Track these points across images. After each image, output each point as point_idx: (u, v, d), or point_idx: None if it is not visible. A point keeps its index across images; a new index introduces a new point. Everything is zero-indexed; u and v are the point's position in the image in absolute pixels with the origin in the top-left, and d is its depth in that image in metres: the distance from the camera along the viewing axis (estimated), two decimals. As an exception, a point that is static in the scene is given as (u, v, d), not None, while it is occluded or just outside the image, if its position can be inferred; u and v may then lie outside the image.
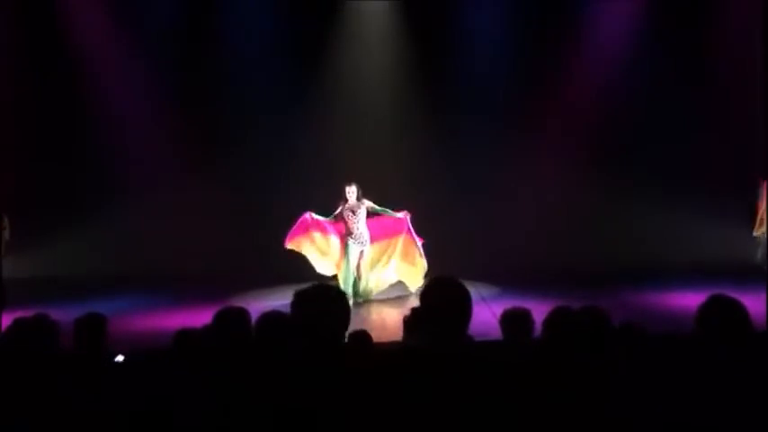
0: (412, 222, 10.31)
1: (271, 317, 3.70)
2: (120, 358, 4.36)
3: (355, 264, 10.04)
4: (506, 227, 12.40)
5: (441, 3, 12.98)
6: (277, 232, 10.47)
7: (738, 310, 3.43)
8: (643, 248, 12.24)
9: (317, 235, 10.25)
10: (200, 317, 4.49)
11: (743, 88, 11.92)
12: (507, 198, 12.66)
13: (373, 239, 10.21)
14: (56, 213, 12.45)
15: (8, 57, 12.30)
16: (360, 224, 10.04)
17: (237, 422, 3.07)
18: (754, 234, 11.28)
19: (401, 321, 4.97)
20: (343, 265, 10.08)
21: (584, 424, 3.22)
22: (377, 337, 4.80)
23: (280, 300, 3.91)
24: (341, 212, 10.08)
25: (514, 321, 4.47)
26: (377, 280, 10.29)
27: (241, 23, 12.97)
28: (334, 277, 10.09)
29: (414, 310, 4.63)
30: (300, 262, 10.23)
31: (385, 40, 13.18)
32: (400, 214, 10.27)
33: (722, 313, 3.43)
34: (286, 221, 10.55)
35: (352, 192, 9.99)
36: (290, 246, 10.22)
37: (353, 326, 4.00)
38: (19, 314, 4.09)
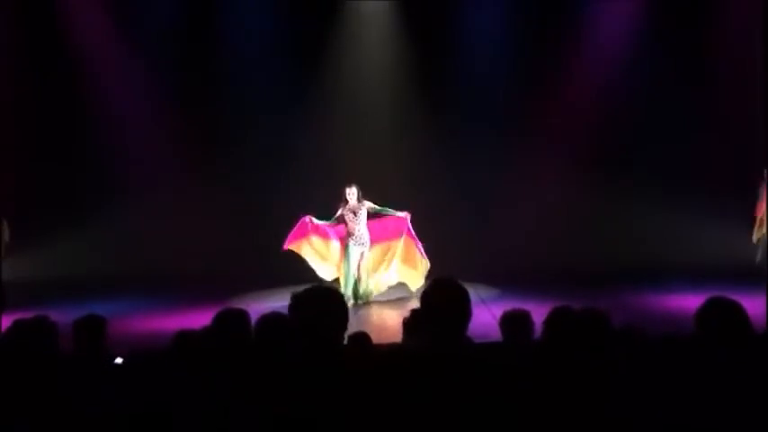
0: (412, 223, 10.31)
1: (270, 318, 3.70)
2: (118, 360, 4.35)
3: (356, 265, 10.03)
4: (506, 228, 12.39)
5: (441, 3, 12.97)
6: (277, 232, 10.46)
7: (738, 311, 3.44)
8: (643, 249, 12.22)
9: (317, 240, 10.24)
10: (200, 318, 4.48)
11: (743, 88, 11.89)
12: (507, 198, 12.66)
13: (373, 242, 10.20)
14: (55, 214, 12.44)
15: (8, 57, 12.28)
16: (361, 225, 10.03)
17: (237, 424, 3.07)
18: (754, 239, 11.28)
19: (401, 323, 4.97)
20: (343, 267, 10.07)
21: (585, 425, 3.23)
22: (377, 338, 4.80)
23: (280, 301, 3.90)
24: (341, 214, 10.07)
25: (514, 323, 4.47)
26: (377, 282, 10.28)
27: (241, 23, 12.98)
28: (336, 281, 10.07)
29: (413, 311, 4.63)
30: (300, 263, 10.22)
31: (385, 41, 13.17)
32: (401, 213, 10.26)
33: (722, 315, 3.43)
34: (286, 221, 10.54)
35: (352, 193, 9.99)
36: (289, 248, 10.21)
37: (353, 328, 4.01)
38: (19, 316, 4.09)
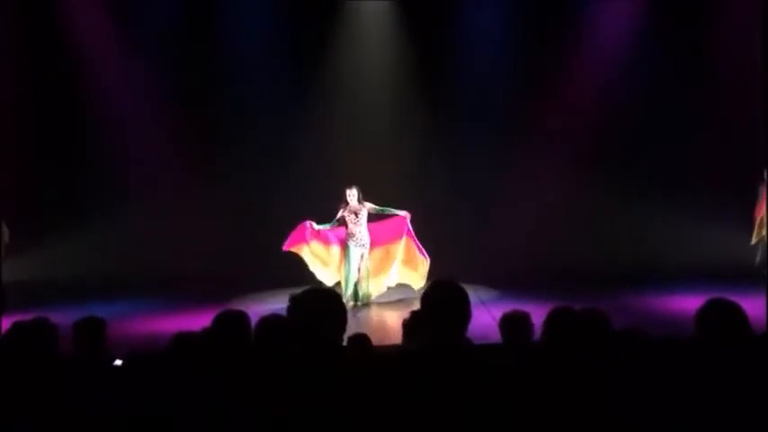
0: (412, 223, 10.30)
1: (270, 320, 3.70)
2: (118, 362, 4.35)
3: (356, 267, 10.02)
4: (506, 228, 12.39)
5: (441, 3, 12.97)
6: (277, 233, 10.45)
7: (737, 313, 3.44)
8: (643, 250, 12.21)
9: (317, 246, 10.21)
10: (200, 320, 4.49)
11: (743, 88, 11.89)
12: (507, 198, 12.64)
13: (374, 245, 10.19)
14: (55, 215, 12.42)
15: (8, 57, 12.27)
16: (361, 227, 10.03)
17: (237, 425, 3.08)
18: (752, 241, 11.27)
19: (400, 325, 4.97)
20: (343, 269, 10.06)
21: (585, 427, 3.23)
22: (376, 340, 4.79)
23: (280, 303, 3.89)
24: (342, 215, 10.05)
25: (513, 324, 4.47)
26: (377, 284, 10.27)
27: (241, 23, 12.96)
28: (337, 284, 10.04)
29: (413, 313, 4.63)
30: (300, 264, 10.20)
31: (385, 41, 13.17)
32: (401, 212, 10.25)
33: (721, 316, 3.43)
34: (286, 222, 10.54)
35: (352, 195, 9.98)
36: (289, 249, 10.19)
37: (353, 329, 4.00)
38: (18, 317, 4.10)
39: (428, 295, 3.14)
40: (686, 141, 12.47)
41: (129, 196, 12.65)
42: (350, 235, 10.03)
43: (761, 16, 10.47)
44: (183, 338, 3.88)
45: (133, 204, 12.53)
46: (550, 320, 4.12)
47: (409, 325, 4.72)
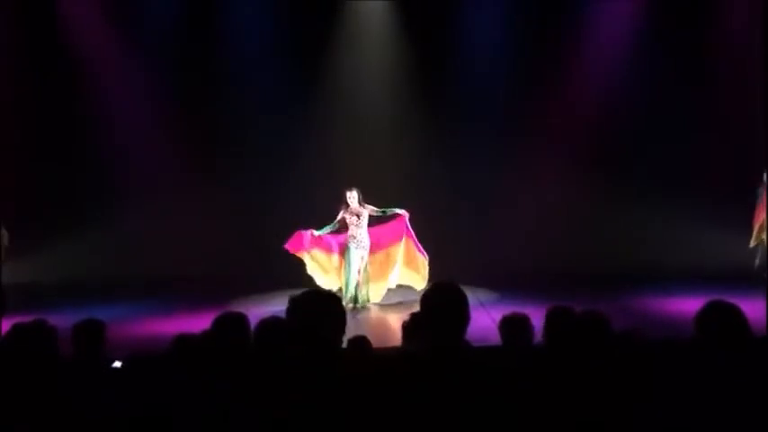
0: (411, 223, 10.28)
1: (269, 323, 3.70)
2: (117, 364, 4.36)
3: (356, 269, 10.01)
4: (506, 228, 12.39)
5: (441, 3, 12.97)
6: (277, 234, 10.45)
7: (737, 315, 3.44)
8: (643, 252, 12.20)
9: (318, 253, 10.18)
10: (200, 322, 4.48)
11: (743, 88, 11.90)
12: (507, 199, 12.64)
13: (374, 248, 10.17)
14: (55, 216, 12.42)
15: (8, 57, 12.28)
16: (362, 229, 10.02)
17: (236, 427, 3.08)
18: (751, 243, 11.26)
19: (400, 327, 4.96)
20: (343, 271, 10.05)
21: (585, 429, 3.23)
22: (376, 342, 4.79)
23: (280, 305, 3.90)
24: (343, 217, 10.04)
25: (513, 327, 4.47)
26: (376, 290, 10.26)
27: (241, 23, 12.97)
28: (339, 291, 10.01)
29: (412, 315, 4.62)
30: (301, 266, 10.19)
31: (385, 41, 13.17)
32: (400, 210, 10.23)
33: (721, 319, 3.43)
34: (286, 223, 10.55)
35: (353, 197, 9.97)
36: (290, 250, 10.17)
37: (353, 331, 4.00)
38: (18, 320, 4.10)
39: (427, 297, 3.14)
40: (686, 142, 12.47)
41: (129, 197, 12.65)
42: (351, 237, 10.02)
43: (761, 16, 10.48)
44: (183, 340, 3.88)
45: (133, 205, 12.52)
46: (549, 320, 4.14)
47: (409, 327, 4.72)
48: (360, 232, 10.01)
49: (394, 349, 5.03)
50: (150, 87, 12.82)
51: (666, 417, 3.18)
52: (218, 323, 3.94)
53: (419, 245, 10.19)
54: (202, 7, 12.95)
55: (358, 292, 10.03)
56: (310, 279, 10.05)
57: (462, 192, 12.68)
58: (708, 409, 3.13)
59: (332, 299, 3.25)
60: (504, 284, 10.73)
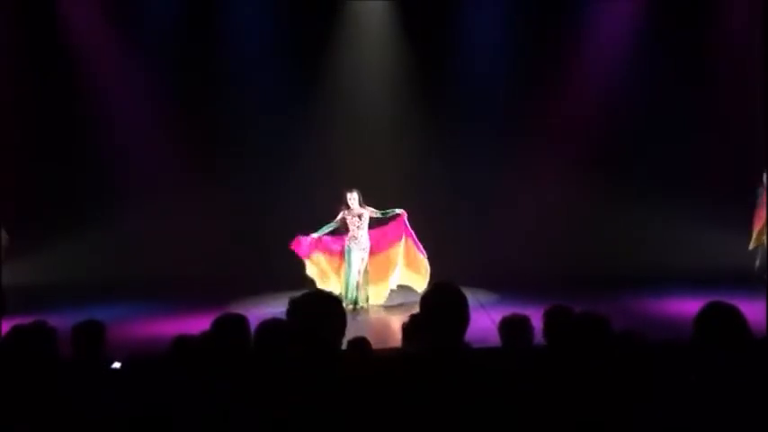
0: (411, 223, 10.26)
1: (269, 324, 3.70)
2: (116, 365, 4.36)
3: (357, 270, 10.00)
4: (506, 228, 12.39)
5: (441, 2, 12.97)
6: (277, 233, 10.45)
7: (736, 316, 3.44)
8: (643, 253, 12.19)
9: (320, 256, 10.18)
10: (200, 323, 4.48)
11: (743, 88, 11.89)
12: (507, 199, 12.64)
13: (373, 250, 10.17)
14: (54, 218, 12.40)
15: (8, 57, 12.28)
16: (363, 230, 10.02)
17: (236, 429, 3.08)
18: (750, 246, 11.26)
19: (400, 328, 4.96)
20: (343, 272, 10.04)
21: (585, 430, 3.23)
22: (376, 343, 4.79)
23: (280, 306, 3.90)
24: (344, 218, 10.02)
25: (513, 328, 4.46)
26: (377, 292, 10.25)
27: (241, 23, 12.97)
28: (339, 294, 10.01)
29: (412, 316, 4.62)
30: (301, 266, 10.19)
31: (385, 41, 13.17)
32: (398, 210, 10.21)
33: (720, 320, 3.43)
34: (286, 222, 10.55)
35: (353, 198, 9.96)
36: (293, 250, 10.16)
37: (353, 333, 4.00)
38: (18, 321, 4.10)
39: (427, 298, 3.14)
40: (686, 142, 12.47)
41: (129, 198, 12.64)
42: (351, 238, 10.01)
43: (761, 16, 10.47)
44: (182, 342, 3.88)
45: (133, 205, 12.52)
46: (548, 320, 4.14)
47: (408, 328, 4.72)
48: (361, 233, 10.01)
49: (394, 350, 5.02)
50: (150, 87, 12.81)
51: (666, 417, 3.18)
52: (217, 324, 3.94)
53: (419, 244, 10.18)
54: (202, 7, 12.95)
55: (358, 294, 10.02)
56: (311, 280, 10.05)
57: (462, 192, 12.67)
58: (708, 409, 3.13)
59: (332, 300, 3.25)
60: (503, 285, 10.72)
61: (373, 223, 10.21)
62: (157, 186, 12.64)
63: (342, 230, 10.12)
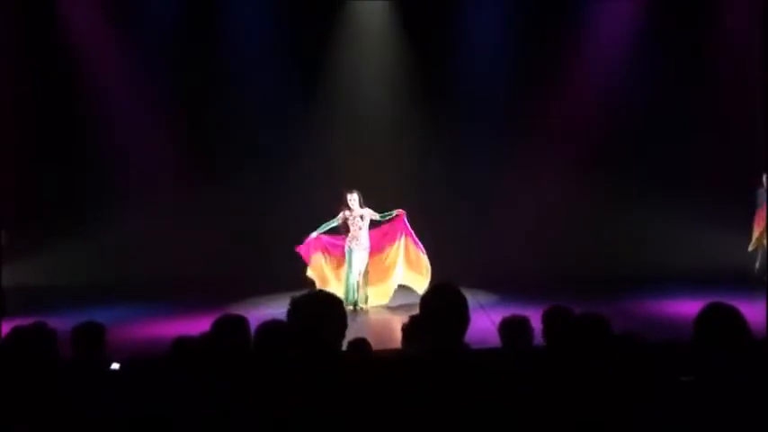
0: (411, 223, 10.26)
1: (269, 325, 3.70)
2: (115, 366, 4.36)
3: (358, 270, 10.00)
4: (506, 228, 12.39)
5: (441, 3, 12.97)
6: (278, 233, 10.45)
7: (736, 317, 3.43)
8: (643, 254, 12.18)
9: (320, 258, 10.18)
10: (200, 324, 4.48)
11: (743, 88, 11.89)
12: (506, 200, 12.64)
13: (373, 250, 10.17)
14: (54, 218, 12.42)
15: (8, 57, 12.27)
16: (364, 231, 10.03)
17: (236, 430, 3.07)
18: (750, 248, 11.26)
19: (400, 329, 4.96)
20: (344, 273, 10.04)
21: (584, 431, 3.23)
22: (376, 344, 4.79)
23: (280, 307, 3.90)
24: (345, 219, 10.01)
25: (513, 329, 4.46)
26: (378, 293, 10.25)
27: (241, 23, 12.97)
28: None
29: (412, 317, 4.62)
30: (301, 267, 10.19)
31: (385, 41, 13.18)
32: (396, 211, 10.21)
33: (720, 321, 3.42)
34: (286, 222, 10.55)
35: (354, 199, 9.96)
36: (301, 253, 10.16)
37: (353, 334, 4.00)
38: (18, 322, 4.10)
39: (427, 300, 3.14)
40: (686, 142, 12.48)
41: (129, 198, 12.64)
42: (353, 238, 10.00)
43: (761, 16, 10.47)
44: (182, 343, 3.88)
45: (133, 205, 12.51)
46: (547, 320, 4.14)
47: (408, 329, 4.72)
48: (362, 234, 10.01)
49: (393, 352, 5.03)
50: (150, 87, 12.81)
51: (666, 417, 3.18)
52: (217, 325, 3.94)
53: (418, 242, 10.18)
54: (202, 7, 12.95)
55: (357, 294, 10.02)
56: (311, 280, 10.04)
57: (462, 192, 12.67)
58: (708, 409, 3.13)
59: (333, 301, 3.24)
60: (503, 286, 10.72)
61: (372, 223, 10.21)
62: (157, 186, 12.63)
63: (342, 231, 10.12)
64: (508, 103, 12.86)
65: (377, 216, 10.11)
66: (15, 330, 3.91)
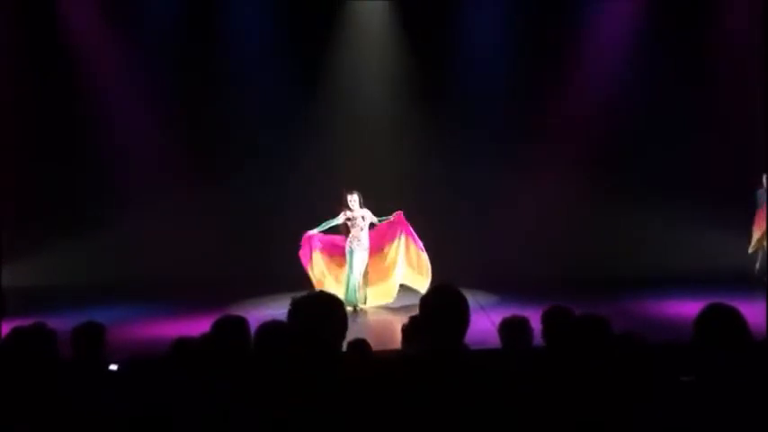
0: (410, 222, 10.25)
1: (269, 326, 3.70)
2: (113, 367, 4.36)
3: (359, 271, 10.00)
4: (506, 228, 12.39)
5: (441, 2, 12.97)
6: (278, 234, 10.44)
7: (736, 318, 3.43)
8: (643, 254, 12.19)
9: (321, 259, 10.17)
10: (200, 325, 4.48)
11: (743, 88, 11.90)
12: (506, 200, 12.63)
13: (373, 251, 10.17)
14: (54, 219, 12.42)
15: (8, 57, 12.28)
16: (365, 231, 10.03)
17: (236, 430, 3.08)
18: (750, 249, 11.26)
19: (400, 330, 4.96)
20: (344, 273, 10.03)
21: (584, 431, 3.23)
22: (376, 345, 4.79)
23: (280, 308, 3.90)
24: (346, 220, 10.00)
25: (513, 329, 4.47)
26: (378, 293, 10.25)
27: (241, 23, 12.97)
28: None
29: (412, 318, 4.63)
30: (301, 268, 10.19)
31: (385, 41, 13.17)
32: (394, 214, 10.20)
33: (720, 321, 3.42)
34: (286, 222, 10.54)
35: (354, 200, 9.96)
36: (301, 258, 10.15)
37: (353, 334, 4.00)
38: (18, 323, 4.10)
39: (427, 300, 3.14)
40: (686, 142, 12.48)
41: (129, 198, 12.65)
42: (353, 239, 10.00)
43: (761, 16, 10.48)
44: (182, 344, 3.88)
45: (133, 206, 12.52)
46: (546, 321, 4.14)
47: (408, 330, 4.72)
48: (362, 234, 10.01)
49: (393, 352, 5.04)
50: (150, 87, 12.81)
51: (666, 417, 3.18)
52: (217, 326, 3.94)
53: (418, 241, 10.17)
54: (202, 7, 12.95)
55: (357, 295, 10.02)
56: (311, 281, 10.04)
57: (462, 192, 12.67)
58: (708, 410, 3.13)
59: (334, 302, 3.24)
60: (503, 287, 10.72)
61: (371, 224, 10.21)
62: (157, 186, 12.62)
63: (342, 231, 10.12)
64: (508, 103, 12.85)
65: (375, 220, 10.11)
66: (15, 331, 3.90)
